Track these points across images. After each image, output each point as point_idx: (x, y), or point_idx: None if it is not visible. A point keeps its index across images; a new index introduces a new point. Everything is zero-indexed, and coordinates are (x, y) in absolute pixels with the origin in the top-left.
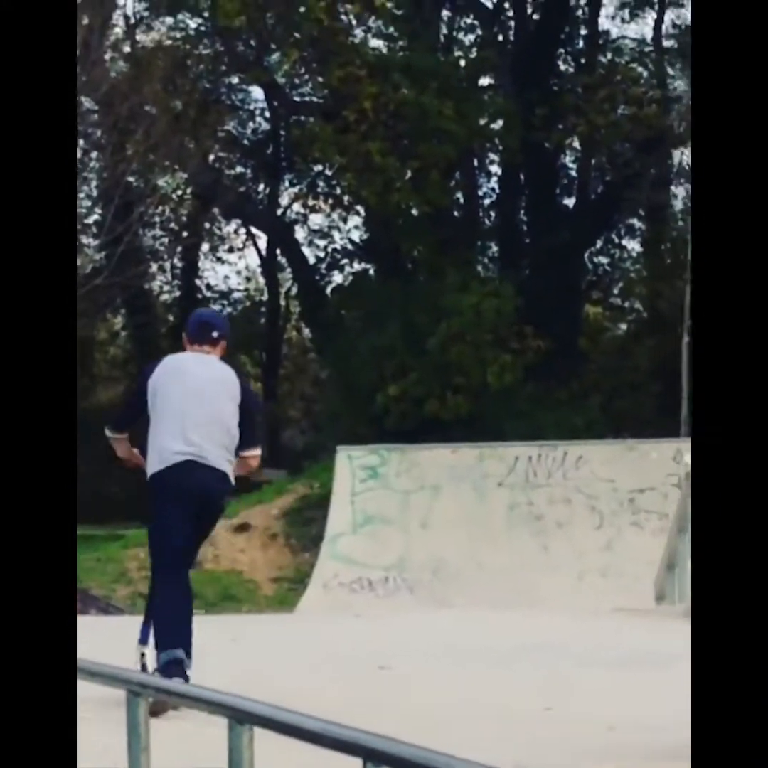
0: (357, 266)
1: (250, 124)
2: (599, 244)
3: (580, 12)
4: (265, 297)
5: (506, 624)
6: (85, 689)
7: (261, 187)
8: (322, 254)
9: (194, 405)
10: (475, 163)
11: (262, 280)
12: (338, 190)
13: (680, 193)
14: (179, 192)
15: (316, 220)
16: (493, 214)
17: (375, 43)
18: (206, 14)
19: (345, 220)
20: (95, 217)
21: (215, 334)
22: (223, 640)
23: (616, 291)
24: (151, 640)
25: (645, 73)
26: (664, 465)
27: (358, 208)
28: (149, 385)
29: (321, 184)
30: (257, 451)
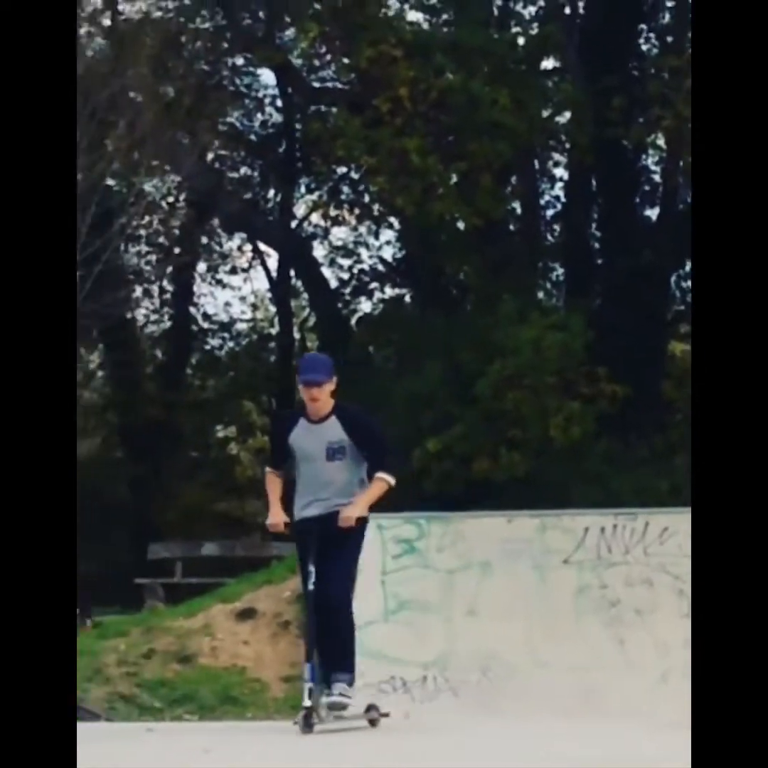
0: (390, 291)
1: (259, 115)
2: (689, 265)
3: None
4: (275, 329)
5: (573, 737)
6: None
7: (271, 193)
8: (346, 276)
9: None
10: (537, 164)
11: (272, 309)
12: (367, 198)
13: None
14: (170, 199)
15: (340, 234)
16: (557, 228)
17: (414, 15)
18: None
19: (375, 235)
20: None
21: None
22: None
23: None
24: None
25: None
26: None
27: (392, 219)
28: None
29: (345, 189)
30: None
